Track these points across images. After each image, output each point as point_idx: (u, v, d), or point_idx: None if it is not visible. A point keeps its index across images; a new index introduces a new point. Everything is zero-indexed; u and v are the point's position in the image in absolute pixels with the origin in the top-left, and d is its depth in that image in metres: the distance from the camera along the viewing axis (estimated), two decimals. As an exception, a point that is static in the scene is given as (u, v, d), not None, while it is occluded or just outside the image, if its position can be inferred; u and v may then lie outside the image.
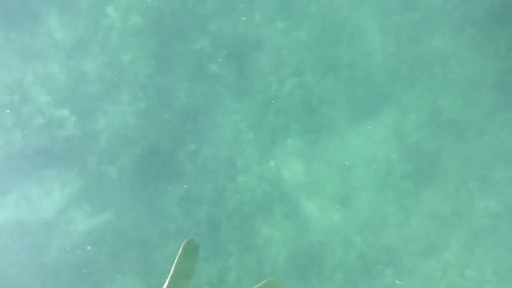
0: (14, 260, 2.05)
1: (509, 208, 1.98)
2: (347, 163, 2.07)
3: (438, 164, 2.04)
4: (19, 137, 2.16)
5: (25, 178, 2.13)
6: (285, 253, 2.02)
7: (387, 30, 2.17)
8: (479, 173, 2.02)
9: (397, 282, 1.92)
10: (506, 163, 2.02)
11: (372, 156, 2.07)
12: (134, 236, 2.06)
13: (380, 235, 1.99)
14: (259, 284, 0.70)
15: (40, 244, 2.06)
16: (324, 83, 2.15)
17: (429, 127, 2.08)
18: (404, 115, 2.09)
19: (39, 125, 2.17)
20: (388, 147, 2.07)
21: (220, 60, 2.19)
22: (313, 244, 2.01)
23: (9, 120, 2.17)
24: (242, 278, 1.99)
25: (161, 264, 2.03)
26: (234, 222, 2.05)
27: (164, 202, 2.09)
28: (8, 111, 2.17)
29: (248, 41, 2.21)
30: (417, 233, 1.99)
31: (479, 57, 2.11)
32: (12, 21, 2.23)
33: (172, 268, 0.70)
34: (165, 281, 0.71)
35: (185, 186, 2.09)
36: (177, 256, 0.71)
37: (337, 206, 2.03)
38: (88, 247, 2.06)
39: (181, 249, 0.71)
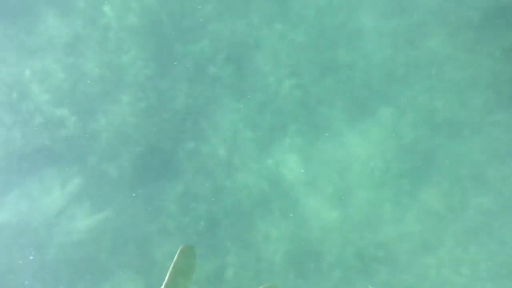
0: (14, 258, 2.05)
1: (502, 206, 2.01)
2: (344, 162, 2.09)
3: (433, 163, 2.06)
4: (19, 136, 2.17)
5: (26, 177, 2.14)
6: (282, 250, 2.03)
7: (384, 33, 2.20)
8: (473, 171, 2.04)
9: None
10: (499, 161, 2.04)
11: (369, 154, 2.09)
12: (133, 233, 2.07)
13: (376, 232, 2.01)
14: None
15: (41, 242, 2.07)
16: (322, 84, 2.18)
17: (425, 127, 2.10)
18: (401, 115, 2.12)
19: (39, 123, 2.19)
20: (385, 146, 2.09)
21: (219, 60, 2.21)
22: (310, 241, 2.02)
23: (9, 118, 2.19)
24: (240, 275, 2.00)
25: (160, 260, 2.04)
26: (233, 220, 2.06)
27: (163, 200, 2.10)
28: (7, 110, 2.19)
29: (247, 42, 2.24)
30: (413, 230, 2.01)
31: (474, 59, 2.14)
32: (10, 19, 2.26)
33: (167, 274, 0.69)
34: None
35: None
36: (173, 262, 0.70)
37: (335, 204, 2.05)
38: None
39: (176, 255, 0.70)
